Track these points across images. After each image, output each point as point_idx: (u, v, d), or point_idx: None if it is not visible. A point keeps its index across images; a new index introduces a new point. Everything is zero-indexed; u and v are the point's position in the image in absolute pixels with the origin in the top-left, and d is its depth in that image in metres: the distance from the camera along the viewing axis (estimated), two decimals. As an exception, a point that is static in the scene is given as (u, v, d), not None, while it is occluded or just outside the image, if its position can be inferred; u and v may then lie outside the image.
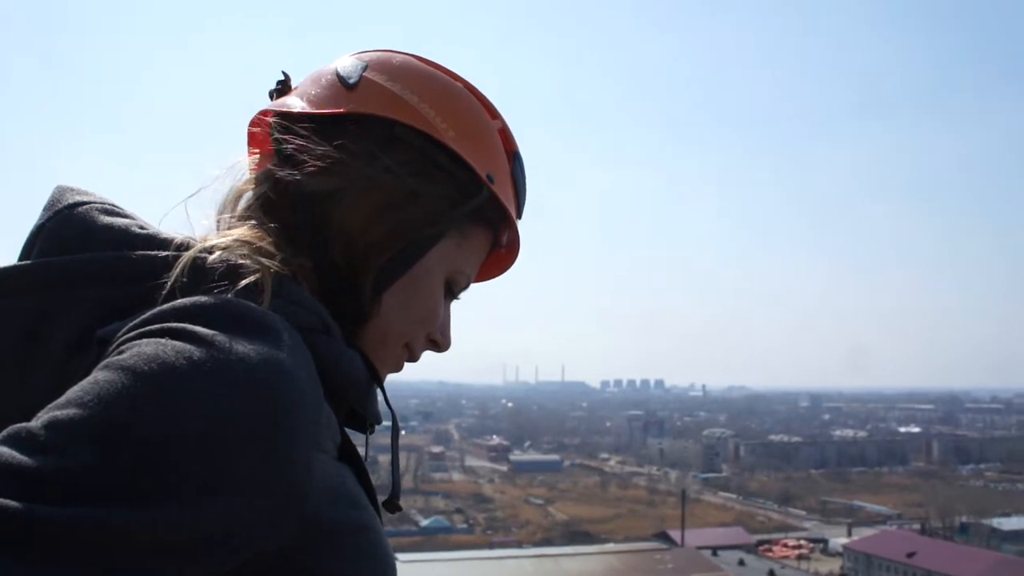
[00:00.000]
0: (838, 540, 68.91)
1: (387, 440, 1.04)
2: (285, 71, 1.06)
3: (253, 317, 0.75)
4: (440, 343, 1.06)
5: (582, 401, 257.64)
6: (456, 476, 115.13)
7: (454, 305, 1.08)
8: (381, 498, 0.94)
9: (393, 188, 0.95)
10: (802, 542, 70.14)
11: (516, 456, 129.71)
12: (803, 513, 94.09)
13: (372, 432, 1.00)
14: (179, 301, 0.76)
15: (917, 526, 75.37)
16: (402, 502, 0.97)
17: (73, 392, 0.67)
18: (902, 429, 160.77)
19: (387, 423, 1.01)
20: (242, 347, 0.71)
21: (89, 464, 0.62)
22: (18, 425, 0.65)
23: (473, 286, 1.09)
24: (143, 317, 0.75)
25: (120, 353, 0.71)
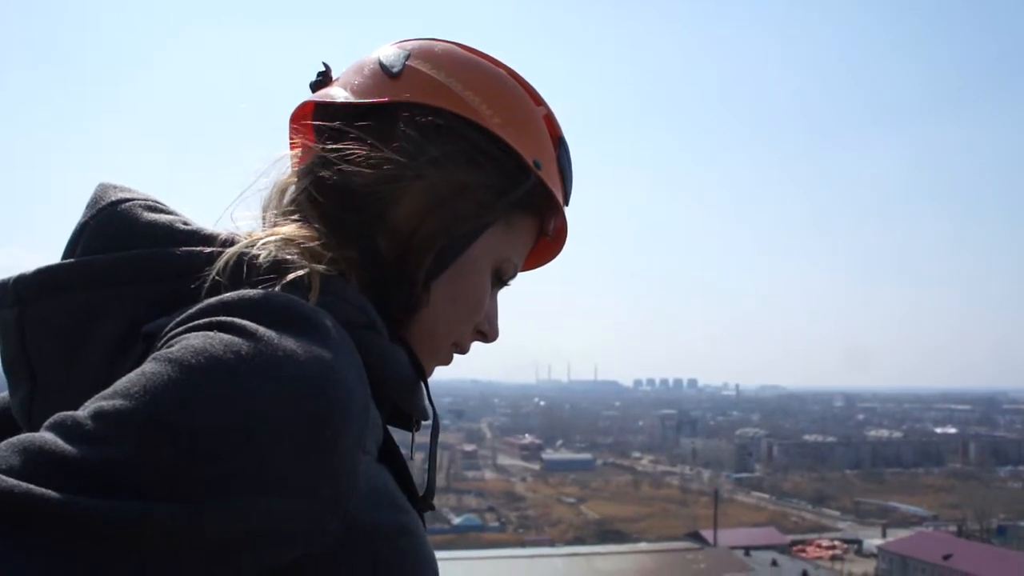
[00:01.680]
0: (872, 541, 68.39)
1: (426, 437, 1.02)
2: (325, 62, 1.04)
3: (302, 313, 0.74)
4: (488, 333, 1.06)
5: (615, 400, 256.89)
6: (488, 474, 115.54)
7: None
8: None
9: (441, 179, 0.94)
10: (836, 543, 69.65)
11: (548, 455, 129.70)
12: (837, 514, 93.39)
13: (418, 429, 0.99)
14: (227, 295, 0.76)
15: (953, 528, 74.44)
16: (434, 500, 0.96)
17: (120, 383, 0.67)
18: (938, 430, 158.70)
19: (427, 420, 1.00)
20: (291, 343, 0.70)
21: (133, 456, 0.61)
22: (64, 413, 0.65)
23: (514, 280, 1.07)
24: (190, 312, 0.75)
25: (169, 347, 0.70)
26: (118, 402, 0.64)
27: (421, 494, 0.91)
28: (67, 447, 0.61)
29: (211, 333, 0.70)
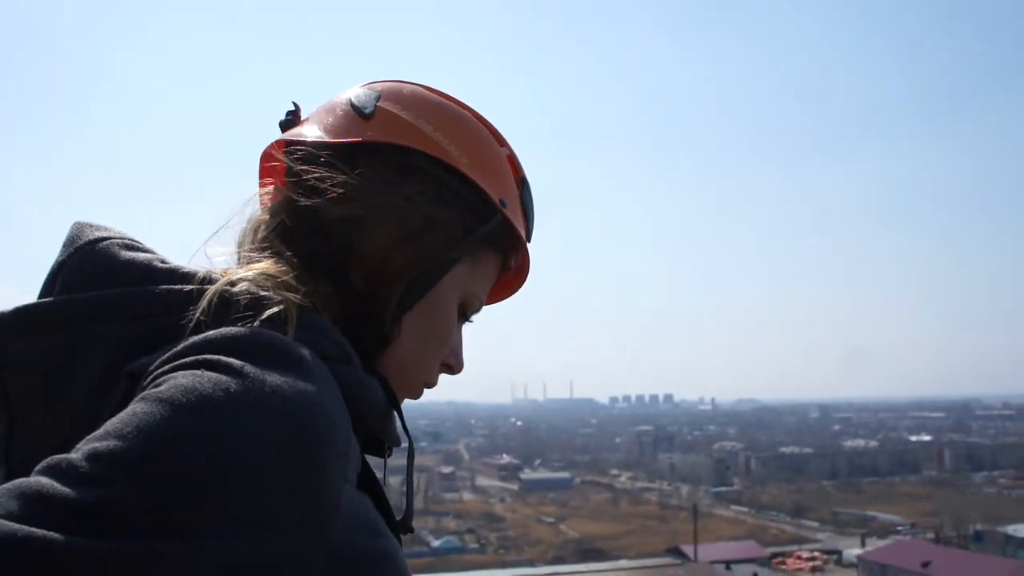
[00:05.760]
0: (852, 551, 68.40)
1: (402, 462, 1.04)
2: (295, 102, 1.06)
3: (284, 348, 0.76)
4: (454, 366, 1.08)
5: (591, 418, 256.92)
6: (467, 496, 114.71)
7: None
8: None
9: (411, 215, 0.97)
10: (816, 554, 69.54)
11: (526, 474, 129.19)
12: (816, 525, 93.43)
13: (390, 455, 1.01)
14: (210, 333, 0.77)
15: (931, 535, 74.66)
16: (413, 523, 0.99)
17: (112, 424, 0.68)
18: (913, 438, 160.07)
19: (403, 444, 1.03)
20: (276, 379, 0.71)
21: (129, 496, 0.63)
22: (58, 456, 0.66)
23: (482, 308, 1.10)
24: (176, 350, 0.75)
25: (157, 386, 0.71)
26: (111, 443, 0.65)
27: (399, 518, 0.94)
28: (64, 489, 0.62)
29: (199, 371, 0.71)
